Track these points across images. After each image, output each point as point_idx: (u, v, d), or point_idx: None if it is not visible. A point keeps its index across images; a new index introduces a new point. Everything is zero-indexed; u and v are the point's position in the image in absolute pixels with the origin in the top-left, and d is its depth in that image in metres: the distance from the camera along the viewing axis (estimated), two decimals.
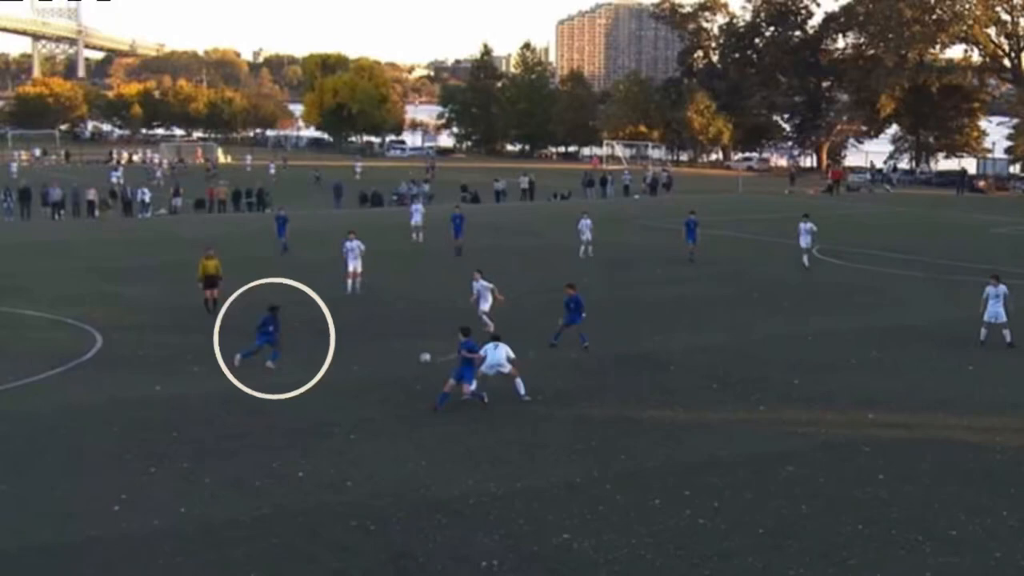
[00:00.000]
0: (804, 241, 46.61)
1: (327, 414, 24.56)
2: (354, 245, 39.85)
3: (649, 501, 19.42)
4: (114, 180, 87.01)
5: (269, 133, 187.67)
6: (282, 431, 23.29)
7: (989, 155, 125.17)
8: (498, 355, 25.68)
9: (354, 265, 39.69)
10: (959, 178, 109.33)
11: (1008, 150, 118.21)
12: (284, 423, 23.88)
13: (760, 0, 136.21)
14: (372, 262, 40.77)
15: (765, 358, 30.61)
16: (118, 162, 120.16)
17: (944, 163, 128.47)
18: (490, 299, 33.87)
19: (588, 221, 50.12)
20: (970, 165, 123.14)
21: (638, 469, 21.17)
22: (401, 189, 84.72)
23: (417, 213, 55.58)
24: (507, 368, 25.65)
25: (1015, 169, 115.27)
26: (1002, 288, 32.42)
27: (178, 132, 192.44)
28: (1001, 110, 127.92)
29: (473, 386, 24.98)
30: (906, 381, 28.36)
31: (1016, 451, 22.55)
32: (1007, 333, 32.10)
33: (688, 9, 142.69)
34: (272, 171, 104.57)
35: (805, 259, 45.87)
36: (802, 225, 46.52)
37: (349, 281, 39.40)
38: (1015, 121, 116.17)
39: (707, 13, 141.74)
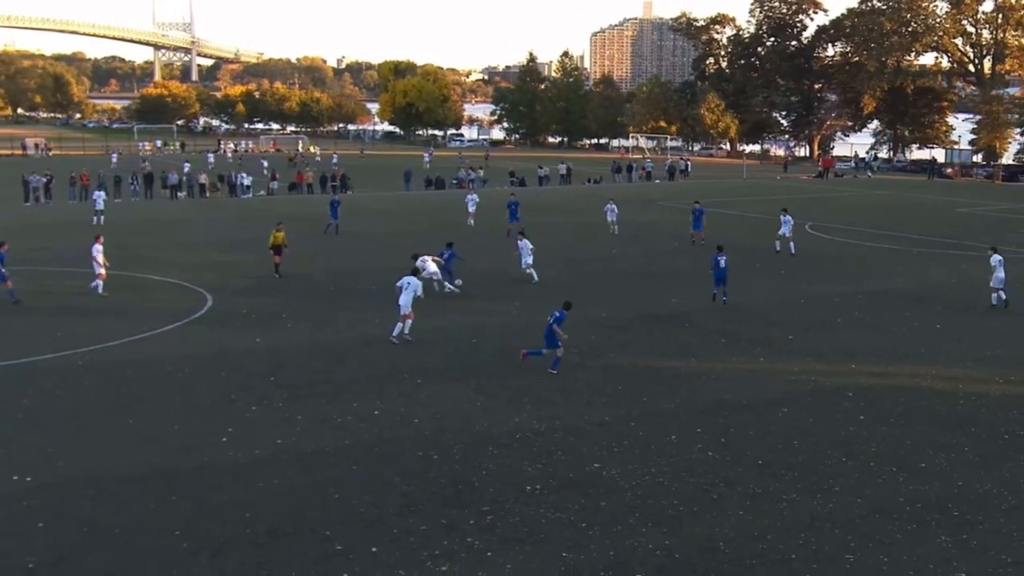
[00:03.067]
0: (785, 229, 44.99)
1: (399, 362, 24.62)
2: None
3: (667, 437, 19.39)
4: (210, 160, 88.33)
5: (351, 127, 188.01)
6: (361, 377, 23.39)
7: (956, 146, 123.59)
8: None
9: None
10: (930, 166, 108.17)
11: (971, 142, 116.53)
12: (363, 370, 23.97)
13: (762, 15, 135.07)
14: (443, 237, 40.74)
15: (765, 318, 30.42)
16: (225, 151, 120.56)
17: (917, 153, 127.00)
18: (531, 256, 34.96)
19: (613, 205, 49.76)
20: (939, 155, 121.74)
21: (658, 410, 21.13)
22: (460, 175, 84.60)
23: (472, 203, 53.09)
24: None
25: (977, 158, 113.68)
26: (997, 258, 32.51)
27: (274, 127, 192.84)
28: (966, 108, 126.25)
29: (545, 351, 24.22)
30: (884, 337, 28.11)
31: (976, 397, 22.33)
32: (1003, 293, 32.35)
33: (701, 23, 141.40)
34: (335, 160, 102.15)
35: (777, 244, 43.92)
36: (783, 217, 45.14)
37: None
38: (978, 118, 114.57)
39: (717, 26, 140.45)
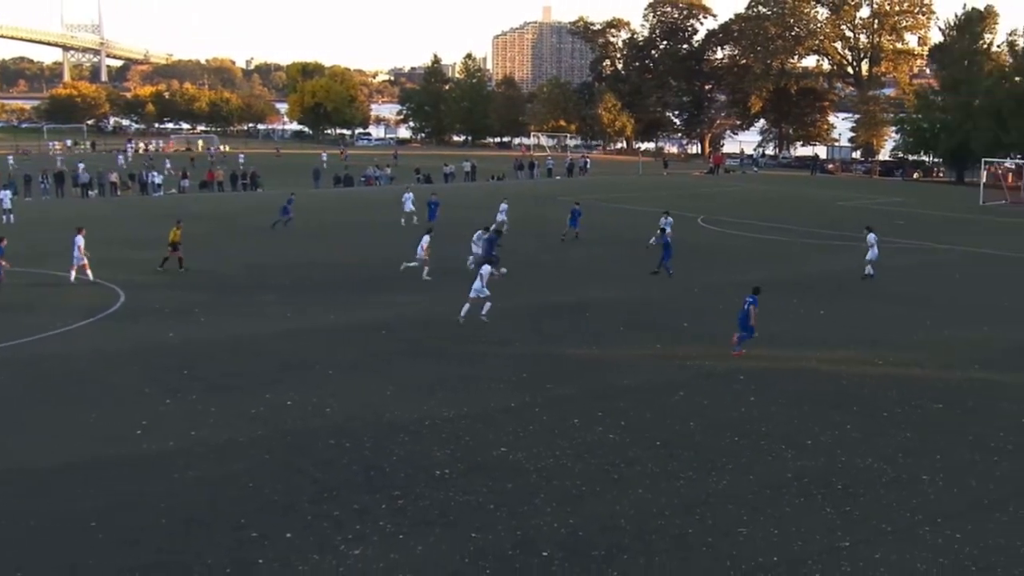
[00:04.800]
0: (664, 221, 45.58)
1: (311, 354, 24.37)
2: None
3: (569, 421, 19.50)
4: (120, 162, 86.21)
5: (260, 127, 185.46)
6: (274, 369, 23.08)
7: (836, 144, 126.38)
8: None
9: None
10: (812, 162, 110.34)
11: (851, 140, 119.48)
12: (276, 362, 23.65)
13: (655, 19, 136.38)
14: (356, 233, 40.47)
15: (662, 306, 30.79)
16: (136, 151, 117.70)
17: (801, 150, 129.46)
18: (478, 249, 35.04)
19: (505, 205, 49.19)
20: (822, 152, 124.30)
21: (561, 396, 21.24)
22: (368, 172, 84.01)
23: (409, 201, 50.30)
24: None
25: (857, 155, 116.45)
26: (873, 236, 35.19)
27: (185, 126, 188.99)
28: (846, 108, 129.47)
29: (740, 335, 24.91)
30: (773, 323, 28.51)
31: (858, 378, 22.88)
32: (869, 268, 34.67)
33: (598, 26, 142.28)
34: (242, 159, 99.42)
35: (653, 240, 44.21)
36: (663, 220, 45.09)
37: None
38: (857, 117, 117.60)
39: (613, 30, 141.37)
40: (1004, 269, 39.32)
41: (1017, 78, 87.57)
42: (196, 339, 25.88)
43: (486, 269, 28.56)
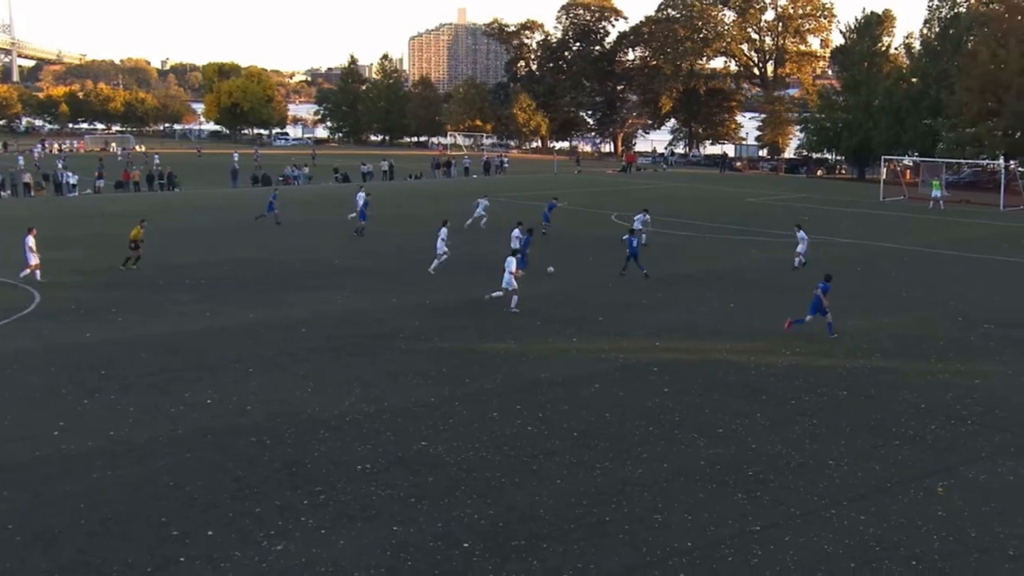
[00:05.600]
0: (479, 212, 47.89)
1: (230, 352, 24.04)
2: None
3: (489, 414, 19.52)
4: (20, 163, 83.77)
5: (176, 127, 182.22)
6: (193, 367, 22.71)
7: (744, 142, 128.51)
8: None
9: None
10: (721, 160, 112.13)
11: (758, 138, 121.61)
12: (195, 361, 23.28)
13: (568, 22, 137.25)
14: (275, 231, 40.02)
15: (577, 301, 30.96)
16: (48, 151, 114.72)
17: (710, 148, 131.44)
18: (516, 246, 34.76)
19: (485, 201, 49.46)
20: (730, 150, 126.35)
21: (480, 389, 21.25)
22: (286, 171, 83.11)
23: (361, 199, 48.91)
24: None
25: (763, 153, 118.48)
26: (802, 234, 37.23)
27: (99, 126, 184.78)
28: (752, 108, 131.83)
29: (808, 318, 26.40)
30: (684, 316, 29.00)
31: (766, 368, 23.28)
32: (800, 259, 36.81)
33: (512, 28, 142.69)
34: (157, 160, 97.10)
35: (467, 223, 46.07)
36: (551, 202, 47.02)
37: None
38: (763, 116, 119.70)
39: (527, 32, 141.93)
40: (903, 262, 40.32)
41: (914, 79, 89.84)
42: (113, 339, 25.35)
43: (511, 262, 29.40)
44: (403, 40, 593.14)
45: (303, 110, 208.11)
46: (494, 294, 29.57)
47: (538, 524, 14.52)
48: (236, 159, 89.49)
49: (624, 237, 35.74)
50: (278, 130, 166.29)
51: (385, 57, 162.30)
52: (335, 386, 21.30)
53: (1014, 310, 30.65)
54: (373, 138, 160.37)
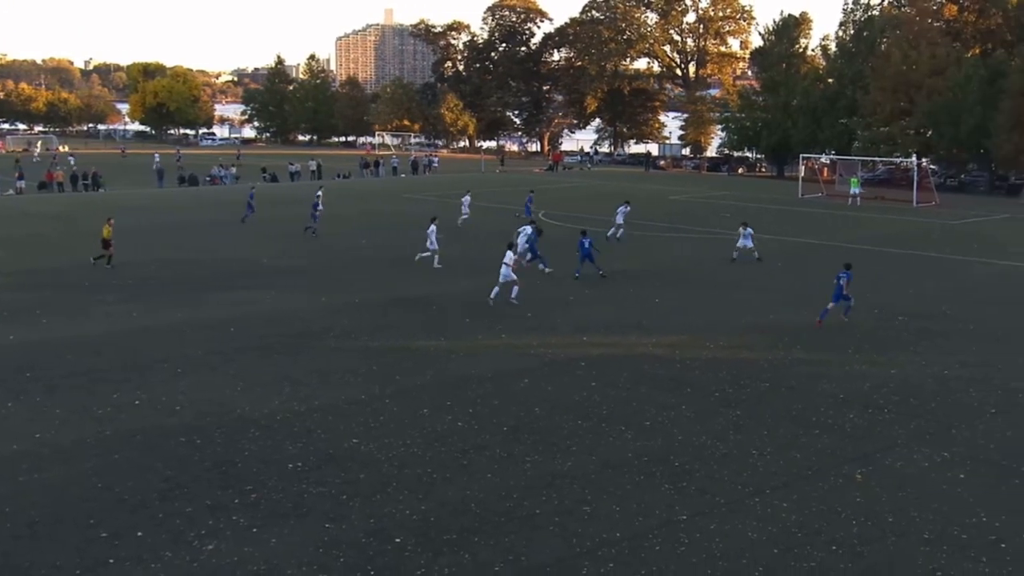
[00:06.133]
0: (464, 210, 48.52)
1: (158, 352, 23.65)
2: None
3: (419, 411, 19.47)
4: None
5: (101, 127, 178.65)
6: (120, 368, 22.30)
7: (667, 141, 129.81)
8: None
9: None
10: (646, 159, 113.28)
11: (681, 138, 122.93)
12: (122, 361, 22.86)
13: (494, 23, 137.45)
14: (202, 232, 39.51)
15: (505, 298, 30.95)
16: None
17: (635, 147, 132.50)
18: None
19: (468, 198, 49.80)
20: (653, 149, 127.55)
21: (410, 386, 21.18)
22: (213, 171, 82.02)
23: (317, 208, 47.44)
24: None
25: (686, 152, 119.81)
26: (749, 231, 38.35)
27: (21, 127, 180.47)
28: (675, 107, 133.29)
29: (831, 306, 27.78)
30: (611, 312, 29.20)
31: (690, 361, 23.54)
32: (755, 253, 38.15)
33: (439, 29, 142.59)
34: (72, 160, 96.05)
35: (460, 221, 46.83)
36: (465, 197, 48.78)
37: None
38: (685, 116, 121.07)
39: (454, 33, 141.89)
40: (821, 257, 41.01)
41: (830, 80, 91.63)
42: (38, 340, 24.80)
43: (509, 255, 30.01)
44: (330, 41, 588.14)
45: (230, 110, 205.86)
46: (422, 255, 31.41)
47: (469, 518, 14.53)
48: (158, 159, 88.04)
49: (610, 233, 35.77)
50: (205, 130, 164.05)
51: (312, 57, 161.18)
52: (265, 385, 21.07)
53: (926, 302, 31.40)
54: (301, 138, 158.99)
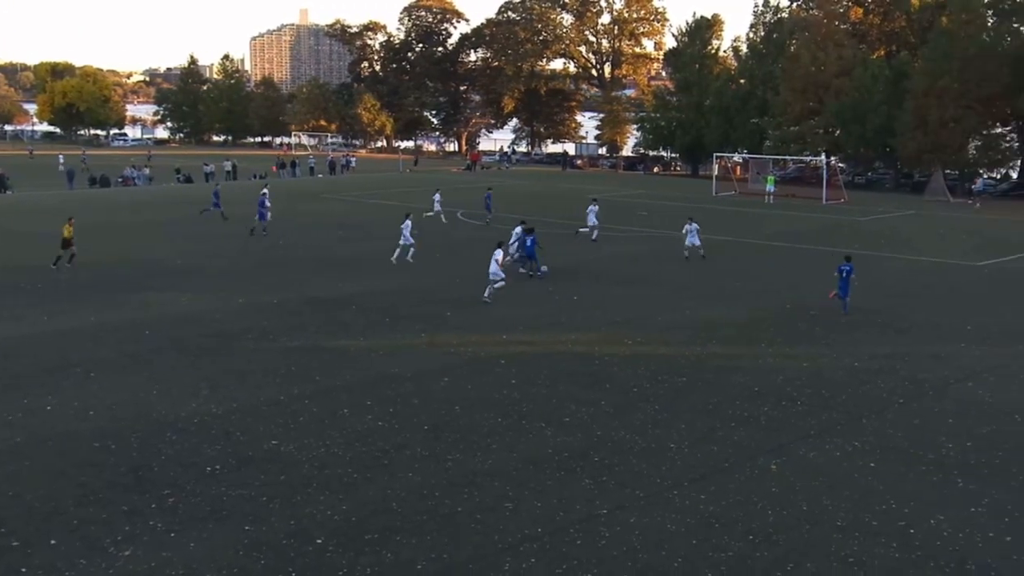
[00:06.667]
0: (436, 207, 48.91)
1: (69, 356, 23.08)
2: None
3: (339, 411, 19.31)
4: None
5: (7, 128, 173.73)
6: (30, 372, 21.69)
7: (584, 141, 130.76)
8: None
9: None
10: (563, 158, 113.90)
11: (597, 137, 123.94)
12: (32, 365, 22.25)
13: (411, 23, 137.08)
14: (114, 233, 38.67)
15: (425, 297, 30.88)
16: None
17: (552, 147, 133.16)
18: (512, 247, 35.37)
19: (438, 196, 50.00)
20: (570, 148, 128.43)
21: (330, 387, 20.99)
22: (125, 172, 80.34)
23: (266, 199, 46.26)
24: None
25: (602, 151, 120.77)
26: (695, 225, 38.35)
27: None
28: (592, 107, 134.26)
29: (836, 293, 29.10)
30: (531, 310, 29.30)
31: (609, 357, 23.72)
32: (700, 251, 38.16)
33: (355, 29, 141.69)
34: None
35: (429, 215, 46.85)
36: (487, 192, 49.97)
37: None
38: (601, 115, 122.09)
39: (370, 33, 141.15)
40: (736, 253, 41.69)
41: (742, 80, 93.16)
42: None
43: (499, 253, 30.42)
44: (244, 41, 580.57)
45: (142, 110, 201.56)
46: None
47: (391, 517, 14.46)
48: (62, 161, 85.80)
49: (527, 237, 35.34)
50: (116, 131, 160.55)
51: (226, 57, 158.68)
52: (182, 387, 20.71)
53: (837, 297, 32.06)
54: (216, 138, 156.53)
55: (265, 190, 47.25)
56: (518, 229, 36.47)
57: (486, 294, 29.98)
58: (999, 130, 79.87)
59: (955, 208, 64.96)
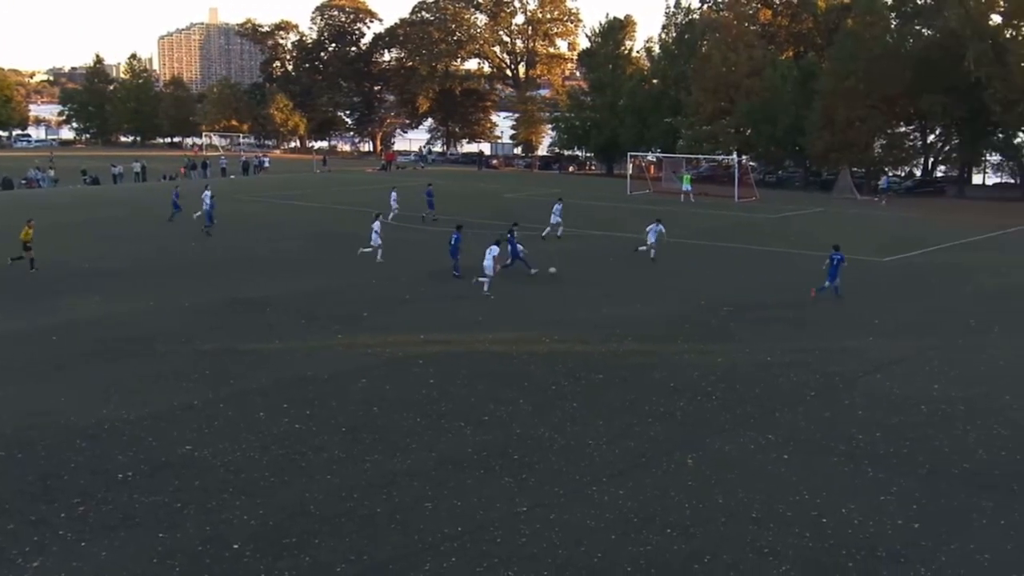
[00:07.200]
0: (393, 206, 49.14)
1: None
2: None
3: (255, 414, 19.06)
4: None
5: None
6: None
7: (499, 140, 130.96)
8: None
9: None
10: (478, 158, 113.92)
11: (512, 137, 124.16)
12: None
13: (323, 23, 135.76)
14: (15, 236, 37.50)
15: (342, 298, 30.67)
16: None
17: (467, 147, 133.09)
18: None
19: (395, 194, 50.23)
20: (486, 148, 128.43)
21: (245, 389, 20.71)
22: (29, 174, 78.21)
23: (208, 198, 46.01)
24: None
25: (518, 151, 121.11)
26: (660, 227, 38.33)
27: None
28: (507, 107, 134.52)
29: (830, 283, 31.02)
30: (448, 309, 29.27)
31: (527, 356, 23.80)
32: (653, 251, 37.89)
33: (267, 29, 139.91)
34: None
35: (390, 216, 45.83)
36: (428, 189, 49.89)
37: None
38: (516, 115, 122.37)
39: (282, 32, 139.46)
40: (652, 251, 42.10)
41: (655, 80, 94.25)
42: None
43: (495, 249, 31.58)
44: (152, 40, 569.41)
45: (46, 111, 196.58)
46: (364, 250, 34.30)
47: (309, 520, 14.31)
48: None
49: (508, 236, 35.35)
50: (19, 131, 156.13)
51: (134, 57, 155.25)
52: (91, 393, 20.23)
53: (749, 293, 32.64)
54: (124, 139, 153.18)
55: (207, 192, 47.38)
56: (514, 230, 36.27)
57: (485, 288, 31.21)
58: (903, 129, 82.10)
59: (862, 205, 66.57)
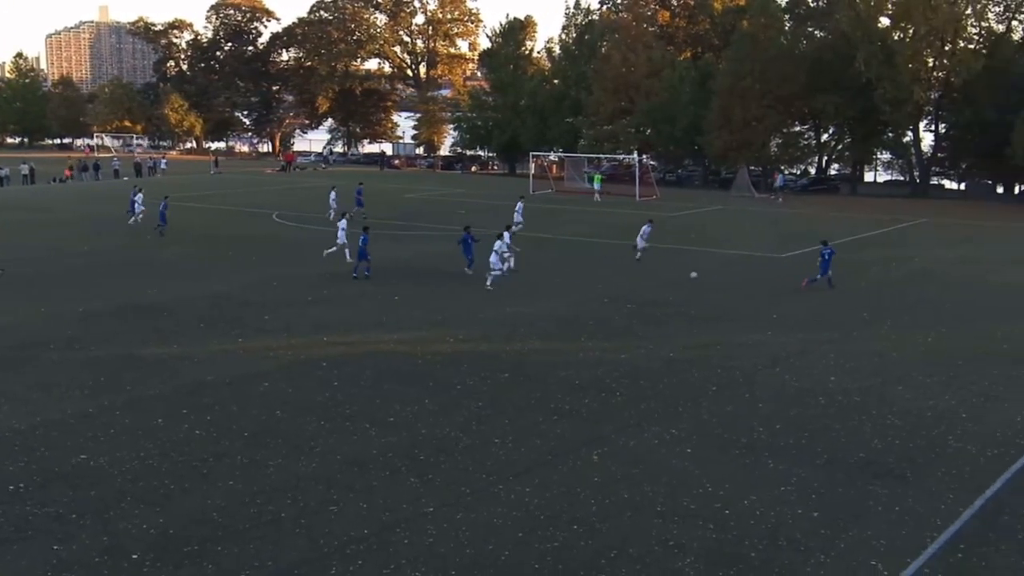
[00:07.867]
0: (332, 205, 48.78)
1: None
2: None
3: (153, 421, 18.66)
4: None
5: None
6: None
7: (401, 140, 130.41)
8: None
9: None
10: (380, 158, 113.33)
11: (414, 137, 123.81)
12: None
13: (218, 21, 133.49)
14: None
15: (241, 301, 30.19)
16: None
17: (369, 147, 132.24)
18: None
19: (333, 194, 50.09)
20: (388, 148, 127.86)
21: (142, 396, 20.25)
22: None
23: (139, 201, 46.92)
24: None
25: (420, 151, 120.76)
26: (649, 227, 39.10)
27: None
28: (408, 107, 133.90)
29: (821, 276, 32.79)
30: (350, 311, 29.04)
31: (432, 356, 23.75)
32: (640, 253, 38.57)
33: (160, 27, 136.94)
34: None
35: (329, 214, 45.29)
36: (358, 187, 46.51)
37: None
38: (418, 115, 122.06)
39: (176, 31, 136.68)
40: (553, 251, 42.44)
41: (556, 81, 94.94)
42: None
43: (499, 244, 33.08)
44: (39, 38, 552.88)
45: None
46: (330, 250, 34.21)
47: (211, 527, 14.07)
48: None
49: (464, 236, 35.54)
50: None
51: (19, 55, 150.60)
52: None
53: (650, 290, 33.08)
54: (10, 140, 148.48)
55: (140, 194, 47.27)
56: (506, 234, 35.80)
57: (488, 283, 32.18)
58: (798, 128, 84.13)
59: (759, 203, 68.00)
